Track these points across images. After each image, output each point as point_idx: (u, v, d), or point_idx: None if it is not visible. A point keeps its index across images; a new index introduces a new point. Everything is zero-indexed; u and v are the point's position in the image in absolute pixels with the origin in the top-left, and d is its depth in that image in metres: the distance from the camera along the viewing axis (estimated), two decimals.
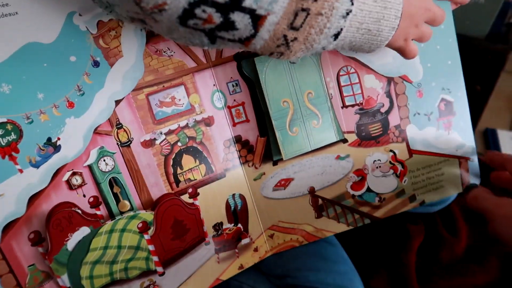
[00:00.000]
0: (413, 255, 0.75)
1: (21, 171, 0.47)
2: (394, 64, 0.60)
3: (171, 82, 0.53)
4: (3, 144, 0.45)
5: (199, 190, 0.56)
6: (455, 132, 0.64)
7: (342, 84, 0.60)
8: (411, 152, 0.63)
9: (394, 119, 0.62)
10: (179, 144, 0.55)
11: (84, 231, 0.49)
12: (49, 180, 0.48)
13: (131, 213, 0.52)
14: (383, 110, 0.61)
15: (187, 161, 0.56)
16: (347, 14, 0.38)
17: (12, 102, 0.45)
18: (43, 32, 0.46)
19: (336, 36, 0.39)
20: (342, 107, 0.61)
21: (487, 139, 1.27)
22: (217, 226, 0.58)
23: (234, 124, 0.58)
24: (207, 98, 0.56)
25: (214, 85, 0.56)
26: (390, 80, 0.61)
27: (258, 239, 0.61)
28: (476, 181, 0.66)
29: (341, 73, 0.60)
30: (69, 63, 0.47)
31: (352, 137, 0.62)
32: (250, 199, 0.60)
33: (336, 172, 0.62)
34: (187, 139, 0.55)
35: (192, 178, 0.56)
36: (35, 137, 0.47)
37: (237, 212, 0.59)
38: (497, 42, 0.90)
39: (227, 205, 0.58)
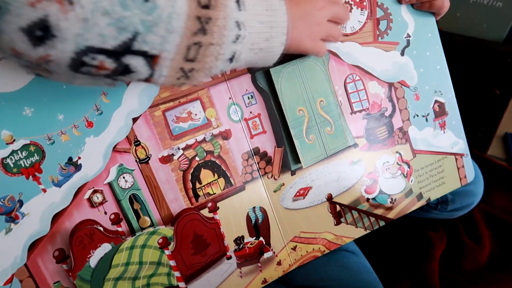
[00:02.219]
0: (435, 264, 0.75)
1: (44, 190, 0.48)
2: (392, 70, 0.64)
3: (186, 97, 0.54)
4: (27, 165, 0.47)
5: (218, 204, 0.56)
6: (449, 130, 0.68)
7: (349, 91, 0.62)
8: (414, 152, 0.66)
9: (397, 121, 0.65)
10: (197, 158, 0.55)
11: (106, 247, 0.50)
12: (71, 199, 0.49)
13: (151, 229, 0.52)
14: (387, 114, 0.64)
15: (206, 175, 0.56)
16: (237, 39, 0.41)
17: (34, 124, 0.47)
18: None
19: (231, 59, 0.42)
20: (351, 113, 0.63)
21: (507, 144, 1.22)
22: (239, 240, 0.57)
23: (252, 136, 0.57)
24: (224, 111, 0.56)
25: (230, 98, 0.56)
26: (390, 85, 0.64)
27: (281, 252, 0.60)
28: (471, 176, 0.70)
29: (347, 81, 0.62)
30: None
31: (362, 142, 0.63)
32: (271, 211, 0.59)
33: (350, 177, 0.63)
34: (205, 153, 0.55)
35: (211, 192, 0.56)
36: (57, 157, 0.48)
37: (258, 226, 0.58)
38: None
39: (248, 218, 0.58)
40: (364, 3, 0.61)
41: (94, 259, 0.49)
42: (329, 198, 0.61)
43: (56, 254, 0.49)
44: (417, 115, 0.66)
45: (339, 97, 0.61)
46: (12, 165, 0.47)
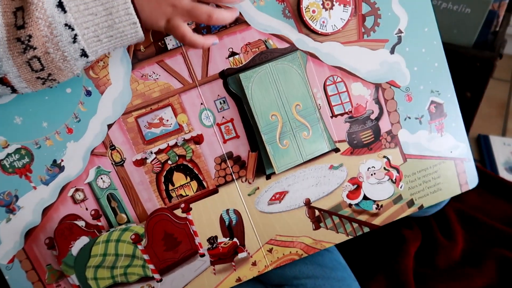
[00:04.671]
0: (410, 260, 0.76)
1: (35, 188, 0.56)
2: (380, 70, 0.59)
3: (158, 104, 0.56)
4: (20, 166, 0.55)
5: (192, 205, 0.59)
6: (448, 133, 0.63)
7: (329, 93, 0.59)
8: (405, 156, 0.62)
9: (385, 125, 0.61)
10: (169, 162, 0.58)
11: (84, 240, 0.56)
12: (57, 196, 0.56)
13: (123, 226, 0.57)
14: (373, 116, 0.61)
15: (178, 178, 0.58)
16: (75, 38, 0.42)
17: (23, 131, 0.54)
18: None
19: (84, 55, 0.44)
20: (331, 117, 0.60)
21: (480, 145, 1.26)
22: (212, 240, 0.60)
23: (225, 141, 0.58)
24: (195, 117, 0.57)
25: (201, 103, 0.57)
26: (377, 86, 0.60)
27: (256, 254, 0.61)
28: (474, 182, 0.64)
29: (327, 83, 0.58)
30: (66, 95, 0.54)
31: (344, 146, 0.61)
32: (246, 214, 0.60)
33: (331, 182, 0.60)
34: (177, 157, 0.58)
35: (184, 194, 0.59)
36: (43, 160, 0.55)
37: (232, 227, 0.60)
38: (484, 50, 0.91)
39: (221, 220, 0.60)
40: None
41: (74, 248, 0.56)
42: (307, 203, 0.60)
43: (47, 241, 0.57)
44: (409, 118, 0.61)
45: (318, 100, 0.58)
46: (8, 166, 0.55)
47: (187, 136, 0.57)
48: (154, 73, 0.55)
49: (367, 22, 0.57)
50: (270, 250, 0.61)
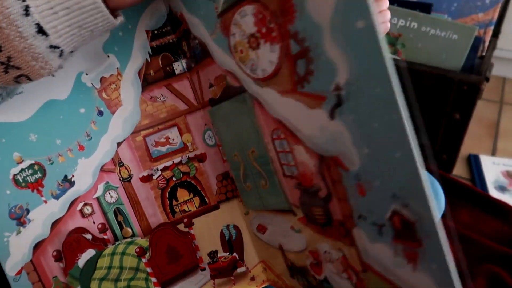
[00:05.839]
0: None
1: (45, 202, 0.59)
2: (321, 138, 0.38)
3: (165, 124, 0.60)
4: (32, 180, 0.58)
5: (194, 220, 0.62)
6: (424, 271, 0.34)
7: (278, 149, 0.46)
8: (364, 265, 0.40)
9: (336, 212, 0.41)
10: (174, 179, 0.61)
11: (90, 252, 0.59)
12: (66, 209, 0.59)
13: (129, 239, 0.60)
14: (321, 194, 0.42)
15: (182, 194, 0.62)
16: (27, 9, 0.39)
17: (38, 148, 0.57)
18: (59, 91, 0.57)
19: (41, 32, 0.39)
20: (283, 175, 0.47)
21: (471, 164, 1.32)
22: (212, 254, 0.63)
23: (224, 161, 0.62)
24: (199, 136, 0.61)
25: (205, 124, 0.61)
26: (321, 159, 0.39)
27: (255, 269, 0.64)
28: None
29: (274, 136, 0.46)
30: (79, 114, 0.58)
31: (300, 213, 0.48)
32: (245, 230, 0.63)
33: (295, 242, 0.51)
34: (181, 174, 0.61)
35: (186, 209, 0.62)
36: (55, 175, 0.58)
37: (232, 242, 0.63)
38: (472, 74, 0.96)
39: (222, 235, 0.63)
40: (273, 34, 0.38)
41: (81, 261, 0.59)
42: (280, 248, 0.56)
43: (54, 254, 0.59)
44: (364, 218, 0.37)
45: (270, 153, 0.48)
46: (21, 180, 0.58)
47: (191, 155, 0.61)
48: (162, 96, 0.60)
49: (298, 68, 0.37)
50: (265, 269, 0.64)
